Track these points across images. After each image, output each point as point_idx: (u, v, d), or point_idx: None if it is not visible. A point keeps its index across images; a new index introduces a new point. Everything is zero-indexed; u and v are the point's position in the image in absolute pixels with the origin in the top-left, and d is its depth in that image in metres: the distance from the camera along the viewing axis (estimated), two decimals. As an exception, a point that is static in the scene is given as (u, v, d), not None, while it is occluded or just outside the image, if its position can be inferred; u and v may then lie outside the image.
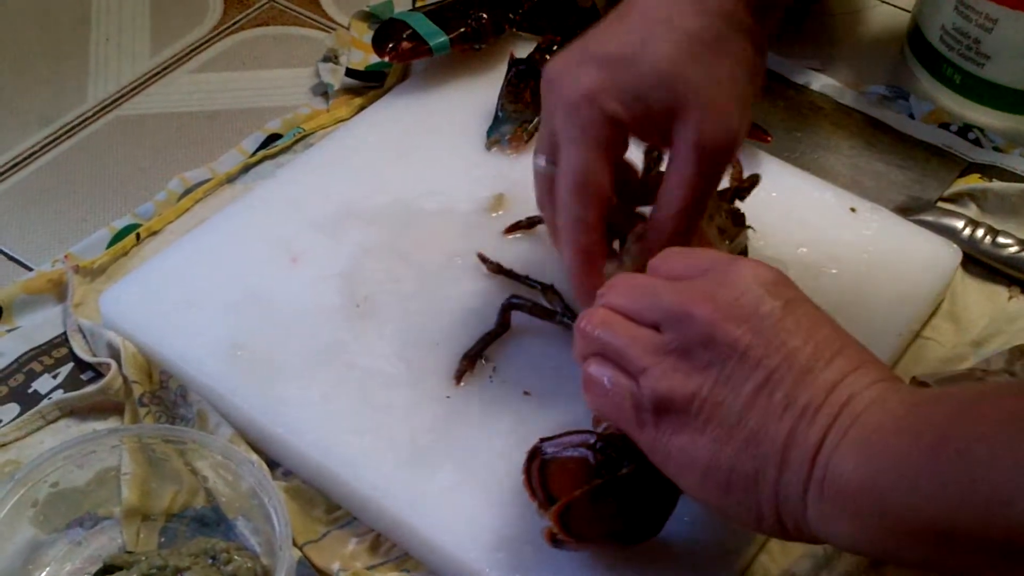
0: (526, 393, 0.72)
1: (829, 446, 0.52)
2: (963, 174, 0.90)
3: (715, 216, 0.71)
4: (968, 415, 0.50)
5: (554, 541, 0.61)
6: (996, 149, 0.92)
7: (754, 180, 0.74)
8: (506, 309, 0.75)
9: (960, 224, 0.84)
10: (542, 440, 0.63)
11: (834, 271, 0.79)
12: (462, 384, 0.72)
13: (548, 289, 0.75)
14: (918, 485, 0.49)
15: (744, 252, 0.73)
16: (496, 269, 0.78)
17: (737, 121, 0.64)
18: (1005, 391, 0.53)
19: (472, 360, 0.73)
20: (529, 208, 0.77)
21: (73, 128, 0.95)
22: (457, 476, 0.68)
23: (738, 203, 0.74)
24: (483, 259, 0.78)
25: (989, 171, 0.89)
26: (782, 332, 0.55)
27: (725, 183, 0.70)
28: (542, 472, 0.62)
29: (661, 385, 0.56)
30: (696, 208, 0.65)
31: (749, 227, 0.73)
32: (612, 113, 0.63)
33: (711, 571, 0.65)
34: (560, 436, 0.63)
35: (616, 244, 0.70)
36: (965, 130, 0.93)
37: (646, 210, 0.68)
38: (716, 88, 0.63)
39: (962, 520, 0.48)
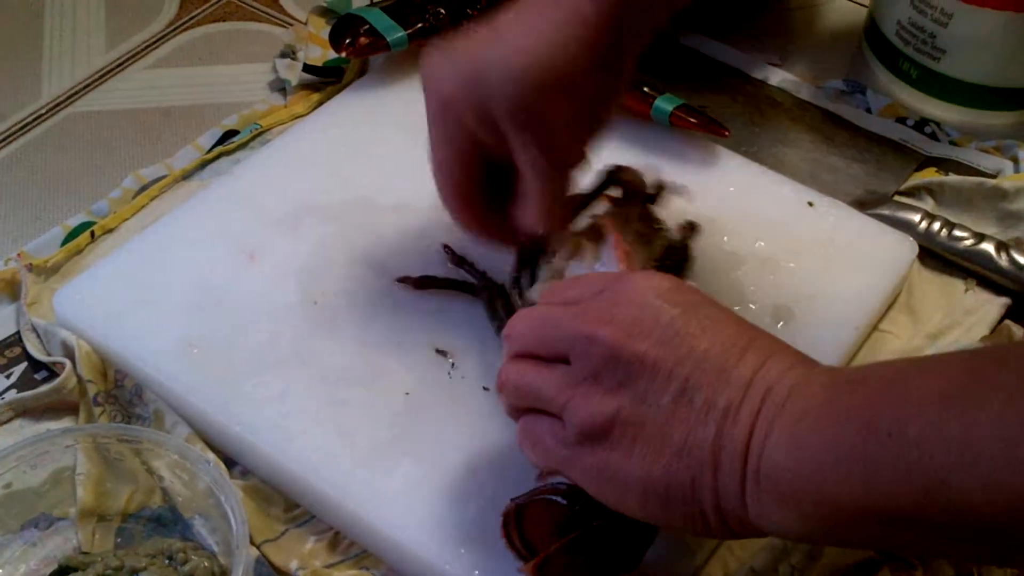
0: (485, 389, 0.72)
1: (757, 440, 0.52)
2: (920, 168, 0.90)
3: (631, 221, 0.71)
4: (893, 395, 0.50)
5: None
6: (952, 143, 0.92)
7: (660, 187, 0.74)
8: (485, 287, 0.76)
9: (917, 218, 0.84)
10: (513, 499, 0.62)
11: (792, 265, 0.80)
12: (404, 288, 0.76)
13: (497, 289, 0.75)
14: (851, 470, 0.49)
15: (682, 252, 0.73)
16: (457, 262, 0.78)
17: (563, 140, 0.65)
18: (925, 367, 0.52)
19: (423, 284, 0.76)
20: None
21: (27, 125, 0.94)
22: (416, 473, 0.68)
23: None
24: (448, 250, 0.79)
25: (945, 165, 0.90)
26: (687, 338, 0.55)
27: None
28: (518, 518, 0.62)
29: (580, 415, 0.56)
30: (553, 200, 0.67)
31: (688, 225, 0.75)
32: (468, 127, 0.65)
33: (670, 567, 0.65)
34: (531, 491, 0.63)
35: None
36: (922, 124, 0.94)
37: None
38: (544, 114, 0.64)
39: (899, 502, 0.48)
